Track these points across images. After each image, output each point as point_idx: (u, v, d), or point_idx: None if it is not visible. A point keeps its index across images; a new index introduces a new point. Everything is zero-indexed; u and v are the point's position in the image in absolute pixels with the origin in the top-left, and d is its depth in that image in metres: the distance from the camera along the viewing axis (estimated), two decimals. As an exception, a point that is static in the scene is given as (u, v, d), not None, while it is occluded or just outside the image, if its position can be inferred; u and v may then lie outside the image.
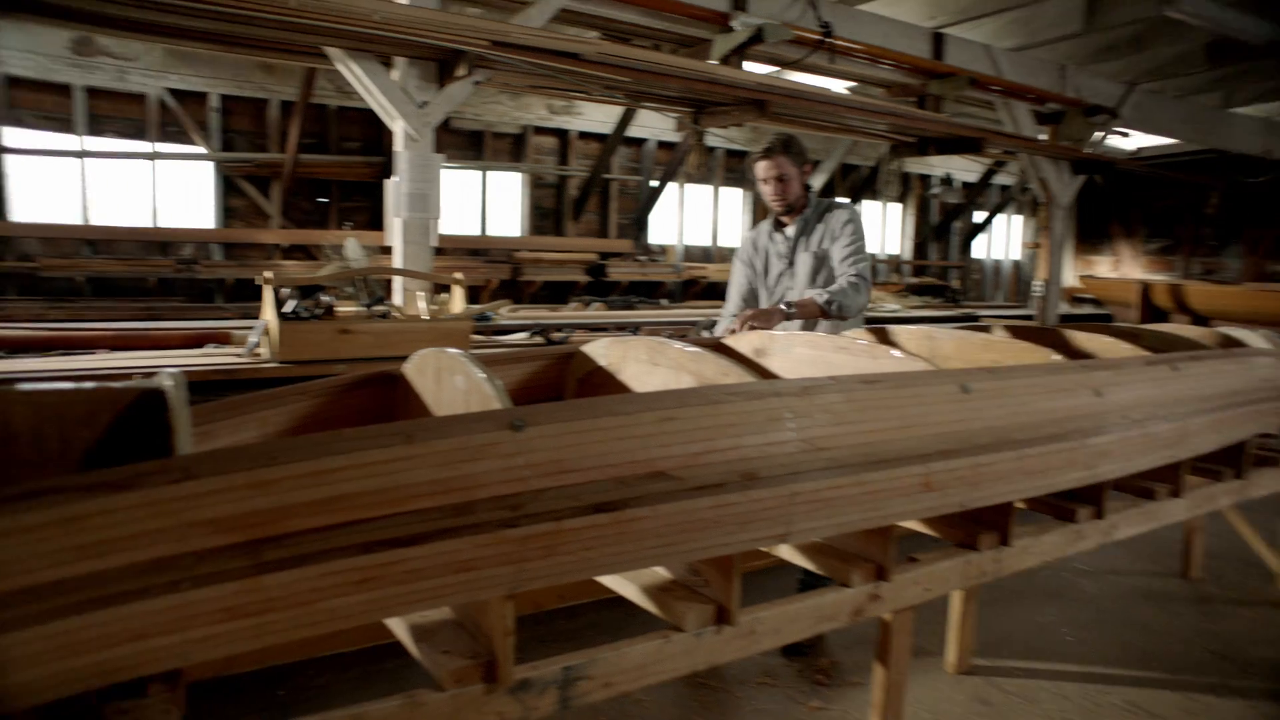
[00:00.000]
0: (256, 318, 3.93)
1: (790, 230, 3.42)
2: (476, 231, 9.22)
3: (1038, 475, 2.26)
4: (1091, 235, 13.90)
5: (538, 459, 1.54)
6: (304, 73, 6.97)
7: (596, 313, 7.14)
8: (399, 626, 1.86)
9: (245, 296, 7.13)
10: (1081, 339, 3.17)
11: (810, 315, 3.14)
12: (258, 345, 3.87)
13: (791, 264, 3.41)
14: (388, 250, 4.87)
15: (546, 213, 9.58)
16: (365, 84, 4.31)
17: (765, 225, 3.53)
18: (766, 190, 3.36)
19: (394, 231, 4.65)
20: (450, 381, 1.85)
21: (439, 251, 8.71)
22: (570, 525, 1.57)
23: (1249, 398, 3.16)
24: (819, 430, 1.78)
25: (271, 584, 1.39)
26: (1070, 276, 12.92)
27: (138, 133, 7.42)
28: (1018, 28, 7.02)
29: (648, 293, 9.63)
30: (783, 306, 3.07)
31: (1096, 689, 3.12)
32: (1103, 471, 2.47)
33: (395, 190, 4.55)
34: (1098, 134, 7.68)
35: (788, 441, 1.73)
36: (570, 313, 7.21)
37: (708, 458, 1.65)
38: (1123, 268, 13.36)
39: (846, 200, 3.44)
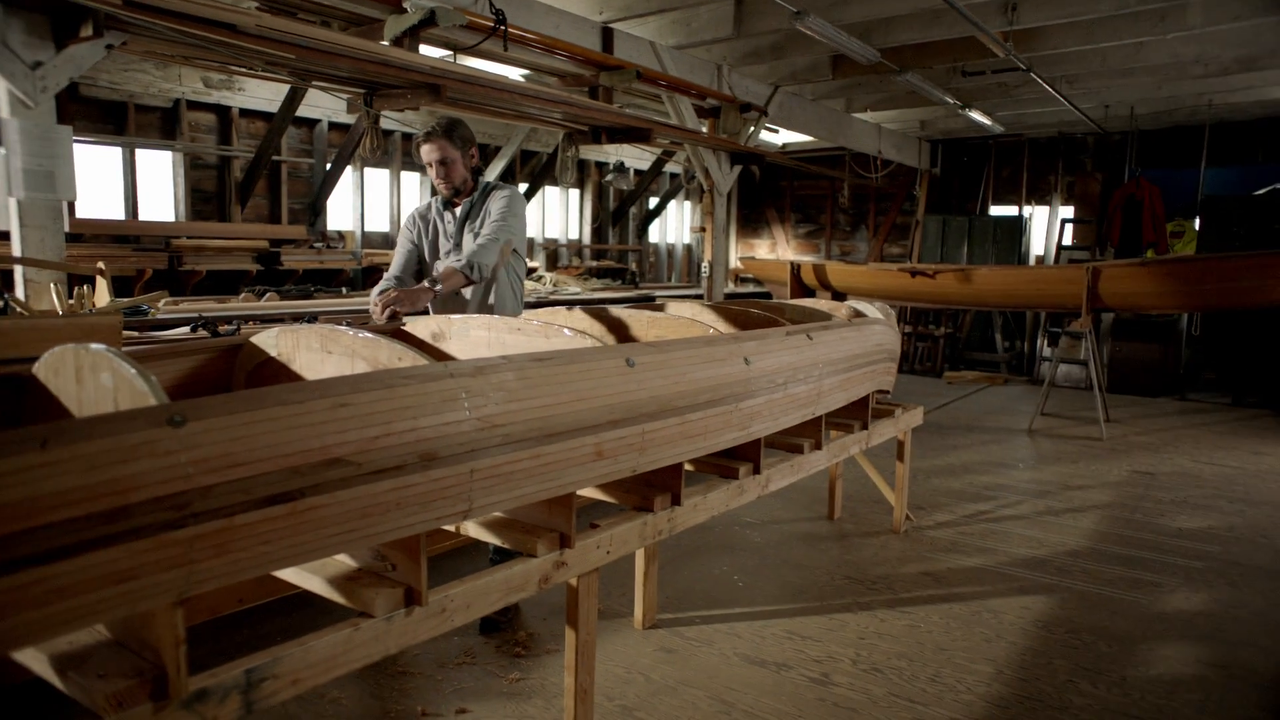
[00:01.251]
0: None
1: (458, 211, 3.51)
2: (123, 216, 8.22)
3: (699, 437, 2.51)
4: (752, 221, 15.36)
5: (203, 454, 1.46)
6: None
7: (270, 303, 6.69)
8: (37, 659, 1.67)
9: None
10: (729, 313, 3.54)
11: (455, 284, 3.22)
12: None
13: (459, 245, 3.49)
14: (5, 236, 4.22)
15: (208, 196, 8.76)
16: (-40, 40, 3.68)
17: (435, 201, 3.60)
18: (431, 173, 3.44)
19: (9, 214, 4.03)
20: (95, 380, 1.68)
21: (79, 238, 7.68)
22: (243, 520, 1.51)
23: (868, 359, 3.72)
24: (494, 408, 1.85)
25: None
26: (734, 259, 14.21)
27: None
28: (678, 27, 7.56)
29: (326, 281, 9.16)
30: (427, 284, 3.14)
31: (761, 624, 3.53)
32: (755, 430, 2.79)
33: (8, 166, 3.94)
34: (751, 129, 8.49)
35: (464, 420, 1.78)
36: (240, 304, 6.69)
37: (385, 441, 1.66)
38: (778, 250, 14.91)
39: (509, 185, 3.55)
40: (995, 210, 12.72)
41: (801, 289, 9.78)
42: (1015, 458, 6.63)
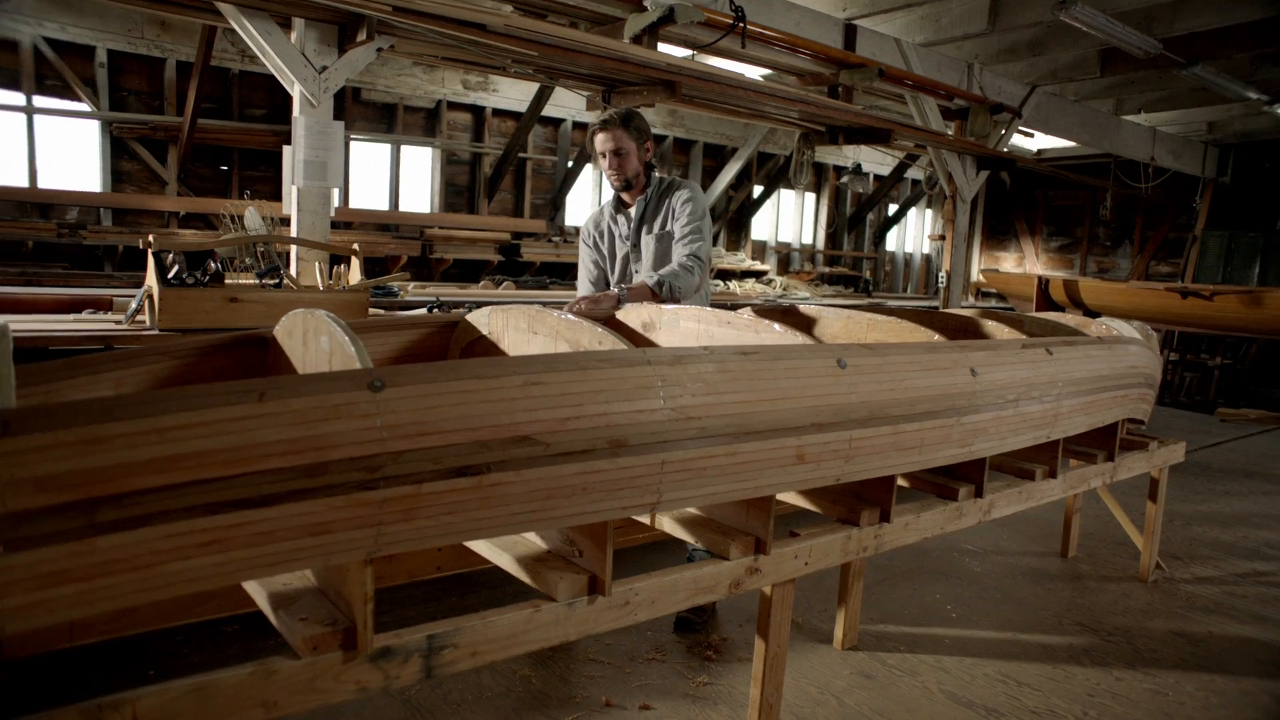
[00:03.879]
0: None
1: (633, 212, 3.36)
2: (387, 206, 9.01)
3: (913, 450, 2.31)
4: (999, 232, 14.39)
5: (397, 420, 1.50)
6: (202, 31, 6.66)
7: (505, 291, 7.06)
8: (258, 593, 1.80)
9: (137, 266, 6.80)
10: (964, 321, 3.26)
11: (641, 300, 3.02)
12: (139, 312, 3.70)
13: (636, 247, 3.36)
14: (289, 221, 4.71)
15: (460, 190, 9.41)
16: (261, 44, 4.15)
17: (608, 206, 3.46)
18: (604, 164, 3.30)
19: (290, 200, 4.49)
20: (316, 343, 1.79)
21: (348, 226, 8.51)
22: (430, 489, 1.54)
23: (1118, 383, 3.31)
24: (690, 400, 1.78)
25: (106, 546, 1.32)
26: (975, 271, 13.37)
27: (10, 83, 6.94)
28: (926, 24, 7.18)
29: (561, 274, 9.57)
30: (615, 291, 3.00)
31: (973, 661, 3.23)
32: (978, 449, 2.55)
33: (292, 157, 4.40)
34: (1002, 132, 7.92)
35: (658, 410, 1.73)
36: (479, 291, 7.11)
37: (575, 424, 1.63)
38: (1026, 264, 13.87)
39: (688, 181, 3.39)
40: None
41: (1048, 306, 9.01)
42: (1304, 512, 5.70)
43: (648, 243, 3.31)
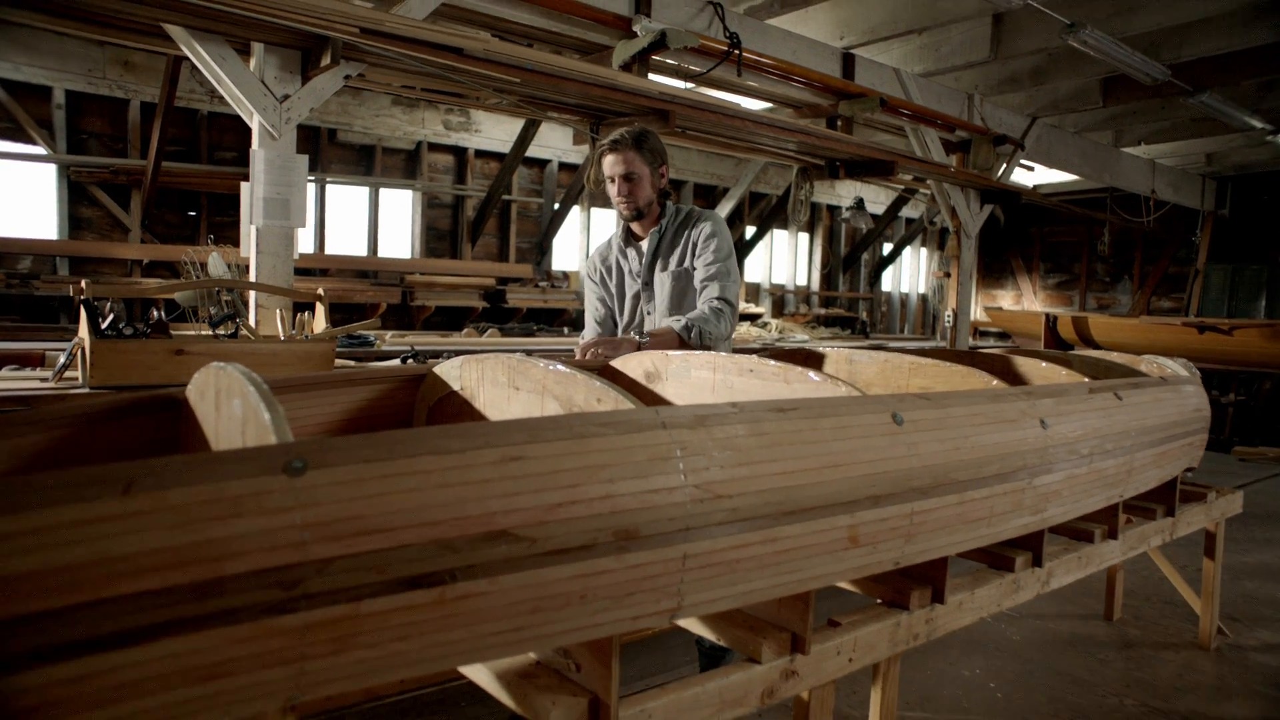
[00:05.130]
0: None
1: (645, 245, 2.94)
2: (365, 252, 8.62)
3: (981, 523, 1.90)
4: (994, 270, 14.13)
5: (324, 515, 1.08)
6: (166, 69, 6.30)
7: (489, 339, 6.65)
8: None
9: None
10: (1012, 363, 2.87)
11: (668, 346, 2.62)
12: (68, 367, 3.27)
13: (649, 285, 2.94)
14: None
15: (442, 234, 9.04)
16: (215, 72, 3.78)
17: (615, 239, 3.03)
18: (612, 190, 2.85)
19: (249, 241, 4.09)
20: (228, 407, 1.37)
21: (324, 272, 8.11)
22: (372, 608, 1.11)
23: (1186, 429, 2.92)
24: (718, 472, 1.36)
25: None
26: (976, 309, 13.07)
27: (-44, 125, 6.56)
28: (926, 53, 6.92)
29: (549, 321, 9.18)
30: (635, 337, 2.61)
31: (1031, 756, 2.79)
32: (1051, 515, 2.14)
33: (250, 194, 4.00)
34: (1004, 165, 7.64)
35: (678, 488, 1.31)
36: (461, 339, 6.70)
37: (569, 510, 1.22)
38: (1024, 301, 13.58)
39: (709, 212, 2.95)
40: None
41: (1057, 344, 8.66)
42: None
43: (662, 280, 2.89)
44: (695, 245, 2.84)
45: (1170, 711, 3.13)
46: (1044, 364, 2.70)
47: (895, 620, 2.05)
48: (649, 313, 2.95)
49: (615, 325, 3.07)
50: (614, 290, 3.04)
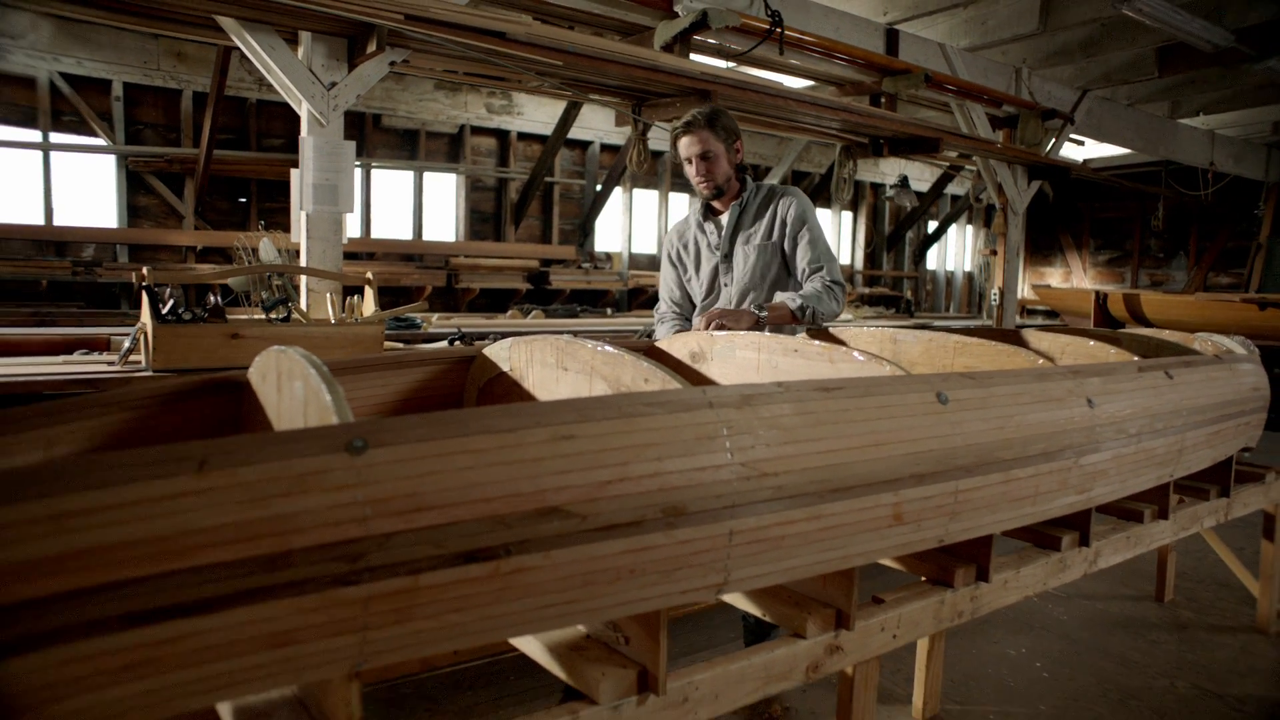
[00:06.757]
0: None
1: (724, 219, 2.97)
2: (410, 236, 8.73)
3: (1026, 502, 1.90)
4: (1042, 247, 13.86)
5: (385, 492, 1.13)
6: (217, 59, 6.44)
7: (534, 320, 6.72)
8: (223, 709, 1.43)
9: (154, 303, 6.53)
10: (1059, 342, 2.84)
11: (781, 321, 2.73)
12: (132, 351, 3.38)
13: (727, 257, 2.96)
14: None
15: (485, 217, 9.12)
16: (265, 61, 3.86)
17: (693, 215, 3.08)
18: (690, 171, 2.90)
19: (299, 227, 4.18)
20: (289, 389, 1.42)
21: (370, 256, 8.24)
22: (431, 580, 1.16)
23: (1241, 408, 2.87)
24: (764, 451, 1.39)
25: (-17, 679, 0.96)
26: (1023, 287, 12.84)
27: (26, 120, 6.77)
28: (972, 26, 6.79)
29: (592, 302, 9.23)
30: (754, 310, 2.68)
31: (1077, 735, 2.78)
32: (1097, 494, 2.13)
33: (300, 181, 4.09)
34: (1053, 140, 7.49)
35: (725, 465, 1.34)
36: (506, 320, 6.78)
37: (619, 488, 1.25)
38: (1074, 279, 13.31)
39: (790, 187, 2.98)
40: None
41: (1107, 322, 8.49)
42: None
43: (745, 253, 2.92)
44: (785, 223, 2.88)
45: (1225, 695, 3.09)
46: (1091, 342, 2.67)
47: (940, 598, 2.06)
48: (726, 284, 2.98)
49: (690, 301, 3.12)
50: (691, 265, 3.07)
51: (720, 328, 2.51)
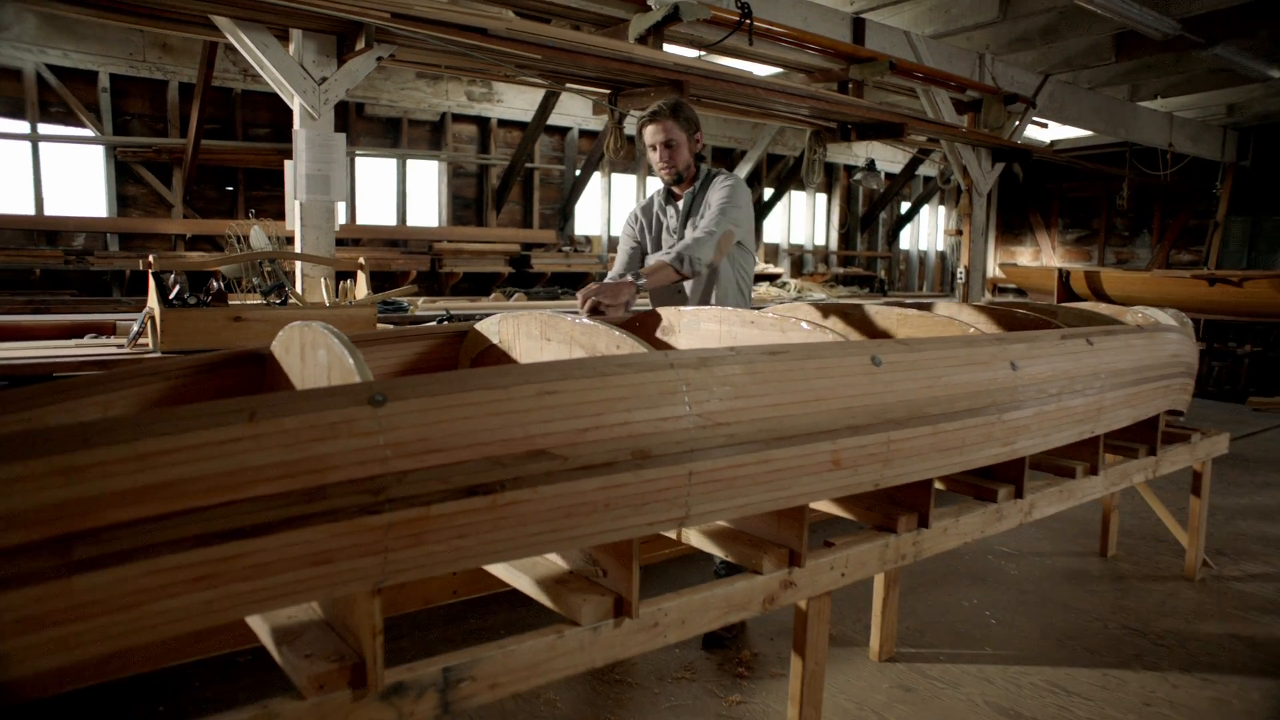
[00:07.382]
0: (153, 310, 3.65)
1: (681, 204, 3.26)
2: (394, 221, 8.93)
3: (954, 451, 2.18)
4: (1013, 227, 14.18)
5: (401, 437, 1.38)
6: (203, 51, 6.60)
7: (517, 303, 6.94)
8: (261, 627, 1.68)
9: (144, 290, 6.68)
10: (1002, 316, 3.12)
11: (663, 279, 2.90)
12: (141, 335, 3.60)
13: (684, 239, 3.21)
14: (293, 238, 4.61)
15: (467, 202, 9.33)
16: (258, 58, 4.05)
17: (658, 196, 3.36)
18: (654, 157, 3.19)
19: (293, 215, 4.39)
20: (313, 357, 1.67)
21: (356, 242, 8.43)
22: (440, 511, 1.41)
23: (1161, 373, 3.16)
24: (718, 405, 1.65)
25: (85, 586, 1.20)
26: (993, 266, 13.17)
27: (14, 111, 6.90)
28: (936, 14, 7.05)
29: (573, 284, 9.46)
30: (630, 278, 2.80)
31: (1018, 670, 3.08)
32: (1020, 447, 2.40)
33: (294, 172, 4.30)
34: (1015, 123, 7.77)
35: (684, 416, 1.60)
36: (490, 303, 7.00)
37: (594, 434, 1.51)
38: (1043, 257, 13.66)
39: (730, 174, 3.23)
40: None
41: (1070, 298, 8.82)
42: (1348, 501, 5.50)
43: (690, 235, 3.18)
44: (710, 205, 3.14)
45: (1148, 631, 3.41)
46: (1024, 312, 2.95)
47: (884, 541, 2.33)
48: None
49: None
50: (653, 238, 3.34)
51: (596, 308, 2.63)
